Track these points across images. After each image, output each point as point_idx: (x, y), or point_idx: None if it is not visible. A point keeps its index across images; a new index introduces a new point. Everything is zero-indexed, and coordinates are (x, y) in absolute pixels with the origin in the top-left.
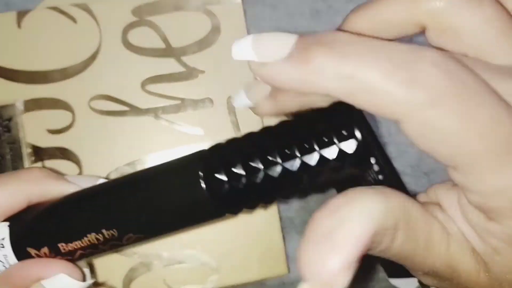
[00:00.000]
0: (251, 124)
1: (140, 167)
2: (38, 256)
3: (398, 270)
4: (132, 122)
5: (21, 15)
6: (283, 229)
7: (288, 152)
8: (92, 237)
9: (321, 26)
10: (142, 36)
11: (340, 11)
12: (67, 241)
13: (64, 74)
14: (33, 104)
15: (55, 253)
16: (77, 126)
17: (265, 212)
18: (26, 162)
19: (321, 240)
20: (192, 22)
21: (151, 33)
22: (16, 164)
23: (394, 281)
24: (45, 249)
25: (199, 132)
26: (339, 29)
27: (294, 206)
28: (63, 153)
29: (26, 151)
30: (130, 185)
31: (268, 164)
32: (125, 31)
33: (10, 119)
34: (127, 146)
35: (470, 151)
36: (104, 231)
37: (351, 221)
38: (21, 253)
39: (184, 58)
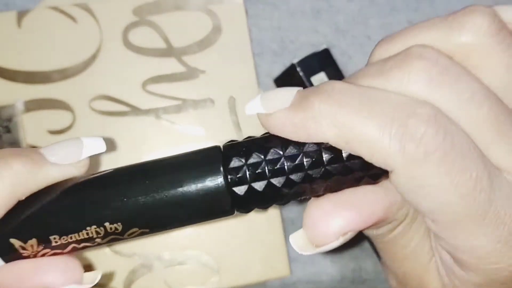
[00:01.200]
0: (252, 124)
1: None
2: (23, 249)
3: None
4: (132, 122)
5: (21, 15)
6: (284, 230)
7: (308, 144)
8: (92, 230)
9: (322, 25)
10: (142, 36)
11: (341, 10)
12: (62, 233)
13: (64, 74)
14: (33, 105)
15: (44, 246)
16: (78, 127)
17: (267, 213)
18: None
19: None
20: (193, 21)
21: (152, 33)
22: None
23: None
24: (32, 241)
25: (200, 132)
26: (369, 61)
27: (296, 207)
28: None
29: None
30: (140, 174)
31: (288, 153)
32: (126, 31)
33: (10, 120)
34: (128, 146)
35: (450, 211)
36: (107, 224)
37: (374, 193)
38: (1, 245)
39: (185, 58)
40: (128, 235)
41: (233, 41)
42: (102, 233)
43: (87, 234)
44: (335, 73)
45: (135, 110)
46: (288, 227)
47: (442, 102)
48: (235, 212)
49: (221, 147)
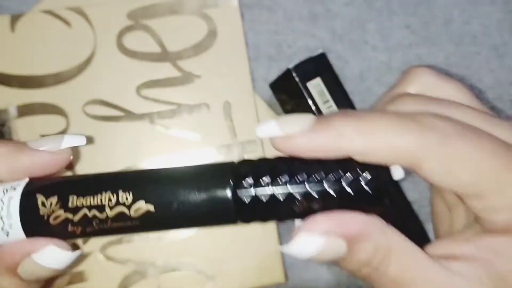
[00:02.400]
0: (248, 129)
1: None
2: (44, 205)
3: None
4: (127, 127)
5: (14, 18)
6: (280, 236)
7: (316, 178)
8: (106, 196)
9: (319, 30)
10: (137, 40)
11: (338, 15)
12: (80, 194)
13: (58, 78)
14: (26, 109)
15: (62, 204)
16: (71, 132)
17: None
18: None
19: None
20: (188, 26)
21: (147, 37)
22: None
23: None
24: (54, 198)
25: (195, 137)
26: None
27: None
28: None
29: None
30: (156, 177)
31: (294, 183)
32: (120, 35)
33: (3, 124)
34: (122, 151)
35: (490, 169)
36: (120, 191)
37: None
38: (28, 198)
39: (180, 63)
40: (134, 211)
41: (228, 46)
42: (114, 201)
43: (101, 200)
44: (331, 78)
45: (129, 115)
46: (284, 234)
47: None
48: (237, 221)
49: (237, 162)
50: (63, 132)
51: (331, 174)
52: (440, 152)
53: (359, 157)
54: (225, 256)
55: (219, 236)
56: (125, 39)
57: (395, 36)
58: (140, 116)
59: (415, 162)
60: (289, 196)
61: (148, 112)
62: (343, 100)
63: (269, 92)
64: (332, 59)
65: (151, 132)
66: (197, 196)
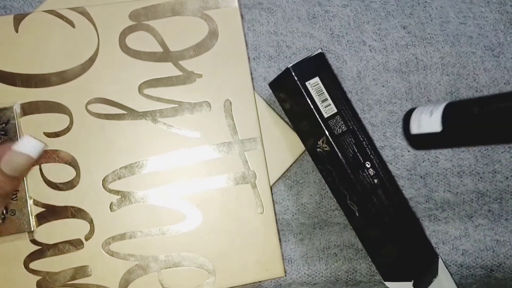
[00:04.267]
0: (248, 127)
1: (137, 170)
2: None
3: (393, 273)
4: (129, 125)
5: (18, 19)
6: (279, 231)
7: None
8: None
9: (317, 30)
10: (139, 40)
11: (337, 16)
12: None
13: (61, 77)
14: (30, 107)
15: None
16: (74, 129)
17: (262, 215)
18: None
19: None
20: (189, 26)
21: (149, 37)
22: None
23: (389, 284)
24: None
25: (196, 135)
26: None
27: (291, 209)
28: (60, 156)
29: None
30: None
31: None
32: (123, 35)
33: (7, 122)
34: (125, 149)
35: None
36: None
37: None
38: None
39: (182, 62)
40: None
41: (229, 46)
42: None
43: None
44: (330, 78)
45: (132, 113)
46: (283, 229)
47: None
48: None
49: None
50: (66, 130)
51: None
52: None
53: None
54: (225, 252)
55: (220, 232)
56: (128, 39)
57: (392, 37)
58: (142, 114)
59: None
60: None
61: (150, 110)
62: (341, 99)
63: (268, 91)
64: (330, 59)
65: (153, 130)
66: None
